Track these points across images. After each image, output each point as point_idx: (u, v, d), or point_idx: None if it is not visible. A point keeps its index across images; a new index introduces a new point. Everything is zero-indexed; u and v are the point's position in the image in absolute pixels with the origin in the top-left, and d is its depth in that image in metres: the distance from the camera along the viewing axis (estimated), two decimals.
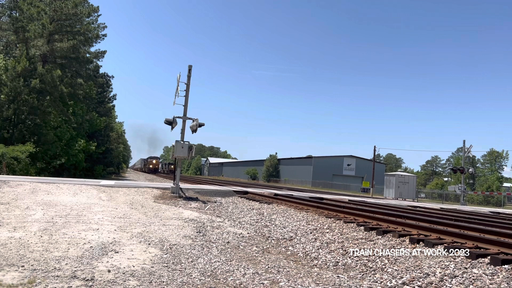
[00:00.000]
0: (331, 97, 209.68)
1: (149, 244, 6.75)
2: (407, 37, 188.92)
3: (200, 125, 16.32)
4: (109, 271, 4.93)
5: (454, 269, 5.35)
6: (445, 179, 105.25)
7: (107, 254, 5.77)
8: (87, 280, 4.51)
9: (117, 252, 5.91)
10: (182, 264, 5.65)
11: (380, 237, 7.73)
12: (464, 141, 36.56)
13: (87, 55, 34.32)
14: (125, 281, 4.61)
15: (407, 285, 5.12)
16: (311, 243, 8.07)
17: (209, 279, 5.08)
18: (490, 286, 4.70)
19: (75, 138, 31.85)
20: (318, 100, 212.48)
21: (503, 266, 5.20)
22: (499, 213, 19.27)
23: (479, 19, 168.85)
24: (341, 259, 6.81)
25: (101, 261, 5.37)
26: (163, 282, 4.73)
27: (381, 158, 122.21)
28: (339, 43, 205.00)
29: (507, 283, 4.69)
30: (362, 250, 7.05)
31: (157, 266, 5.41)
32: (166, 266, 5.43)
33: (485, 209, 24.16)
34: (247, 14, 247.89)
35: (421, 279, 5.23)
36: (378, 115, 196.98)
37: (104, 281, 4.51)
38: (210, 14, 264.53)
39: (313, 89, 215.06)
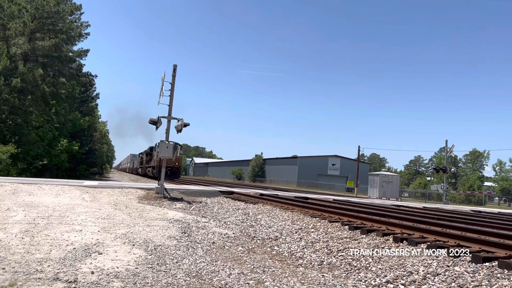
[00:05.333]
0: (315, 96, 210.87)
1: (134, 245, 6.69)
2: (391, 37, 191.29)
3: (185, 125, 16.26)
4: (92, 272, 4.87)
5: (437, 267, 5.43)
6: (428, 178, 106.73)
7: (90, 255, 5.70)
8: (70, 282, 4.44)
9: (101, 254, 5.84)
10: (167, 265, 5.61)
11: (364, 236, 7.80)
12: (446, 141, 37.17)
13: (70, 54, 33.80)
14: (109, 282, 4.56)
15: (391, 284, 5.18)
16: (296, 243, 8.10)
17: (194, 279, 5.06)
18: (472, 283, 4.79)
19: (57, 138, 31.34)
20: (303, 99, 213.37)
21: (484, 264, 5.30)
22: (480, 211, 19.64)
23: (463, 19, 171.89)
24: (326, 258, 6.86)
25: (84, 262, 5.30)
26: (148, 283, 4.69)
27: (365, 158, 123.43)
28: (322, 42, 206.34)
29: (488, 281, 4.78)
30: (346, 249, 7.11)
31: (141, 267, 5.36)
32: (151, 267, 5.39)
33: (467, 208, 24.59)
34: (228, 12, 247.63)
35: (404, 278, 5.30)
36: (362, 115, 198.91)
37: (88, 283, 4.45)
38: (196, 13, 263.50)
39: (297, 89, 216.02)
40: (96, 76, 44.43)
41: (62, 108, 32.99)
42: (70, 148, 32.38)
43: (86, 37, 34.85)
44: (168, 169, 34.30)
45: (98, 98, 46.15)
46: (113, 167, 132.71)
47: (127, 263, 5.50)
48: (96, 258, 5.56)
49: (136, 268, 5.28)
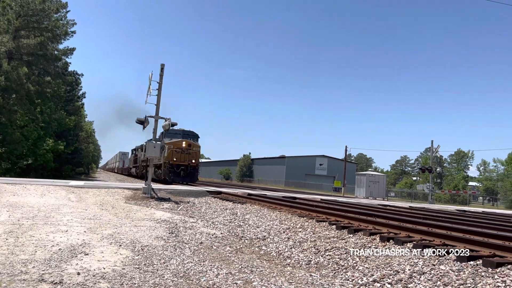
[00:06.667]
0: (303, 97, 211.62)
1: (120, 245, 6.63)
2: (374, 39, 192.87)
3: (173, 124, 16.19)
4: (78, 273, 4.81)
5: (423, 266, 5.50)
6: (414, 178, 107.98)
7: (76, 256, 5.63)
8: (56, 283, 4.38)
9: (87, 254, 5.78)
10: (154, 266, 5.58)
11: (351, 235, 7.85)
12: (432, 141, 37.62)
13: (55, 52, 33.32)
14: (95, 283, 4.51)
15: (378, 283, 5.22)
16: (284, 242, 8.12)
17: (181, 280, 5.03)
18: (457, 281, 4.85)
19: (42, 138, 30.91)
20: (291, 100, 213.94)
21: (468, 263, 5.38)
22: (465, 211, 19.93)
23: (448, 21, 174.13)
24: (313, 258, 6.88)
25: (70, 263, 5.23)
26: (135, 284, 4.66)
27: (352, 158, 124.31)
28: (306, 45, 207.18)
29: (472, 279, 4.85)
30: (334, 248, 7.15)
31: (128, 267, 5.32)
32: (138, 268, 5.35)
33: (452, 207, 24.93)
34: (210, 14, 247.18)
35: (391, 276, 5.35)
36: (350, 116, 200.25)
37: (74, 284, 4.40)
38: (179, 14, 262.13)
39: (285, 90, 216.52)
40: (82, 75, 43.82)
41: (48, 107, 32.55)
42: (55, 148, 31.95)
43: (72, 35, 34.45)
44: (181, 169, 26.68)
45: (84, 97, 45.68)
46: (100, 167, 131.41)
47: (114, 263, 5.45)
48: (82, 259, 5.50)
49: (123, 268, 5.24)
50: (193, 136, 29.44)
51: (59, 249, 5.95)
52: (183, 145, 27.08)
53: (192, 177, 27.87)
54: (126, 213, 10.68)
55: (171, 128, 25.81)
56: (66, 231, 7.37)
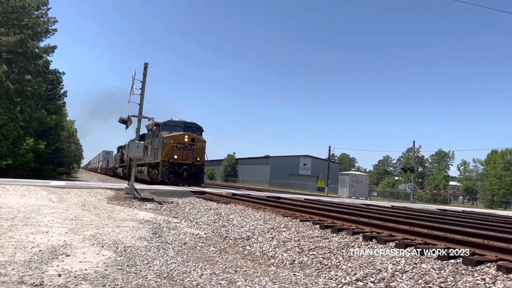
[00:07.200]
0: (287, 98, 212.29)
1: (103, 246, 6.55)
2: (357, 39, 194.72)
3: (156, 124, 16.08)
4: (59, 275, 4.74)
5: (405, 265, 5.57)
6: (396, 178, 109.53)
7: (57, 257, 5.54)
8: (36, 285, 4.31)
9: (69, 256, 5.69)
10: (137, 266, 5.52)
11: (335, 235, 7.91)
12: (414, 142, 38.21)
13: (36, 50, 32.70)
14: (77, 285, 4.44)
15: (361, 281, 5.27)
16: (268, 242, 8.14)
17: (165, 280, 5.00)
18: (438, 280, 4.94)
19: (22, 137, 30.30)
20: (275, 100, 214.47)
21: (449, 261, 5.48)
22: (445, 210, 20.27)
23: (431, 22, 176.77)
24: (297, 257, 6.91)
25: (51, 265, 5.15)
26: (117, 285, 4.60)
27: (336, 158, 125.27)
28: (289, 46, 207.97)
29: (453, 277, 4.93)
30: (317, 248, 7.19)
31: (111, 269, 5.26)
32: (121, 269, 5.29)
33: (433, 207, 25.34)
34: (193, 12, 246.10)
35: (373, 275, 5.40)
36: (333, 116, 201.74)
37: (54, 286, 4.33)
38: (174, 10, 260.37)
39: (269, 90, 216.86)
40: (64, 73, 42.97)
41: (28, 106, 31.92)
42: (36, 148, 31.36)
43: (54, 33, 33.77)
44: (183, 168, 22.52)
45: (66, 96, 44.86)
46: (82, 167, 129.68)
47: (96, 265, 5.38)
48: (63, 260, 5.41)
49: (105, 270, 5.17)
50: (196, 129, 25.17)
51: (40, 250, 5.84)
52: (186, 139, 22.92)
53: (197, 179, 23.64)
54: (109, 213, 10.55)
55: (172, 119, 24.13)
56: (47, 232, 7.24)
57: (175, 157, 22.43)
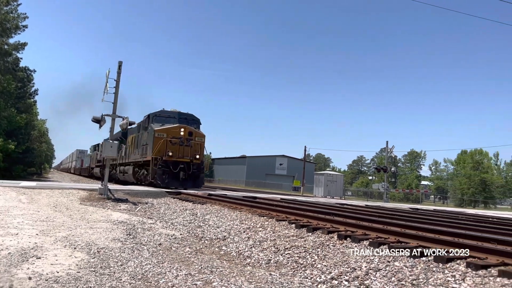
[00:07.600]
0: (263, 98, 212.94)
1: (75, 248, 6.41)
2: (331, 40, 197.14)
3: (131, 123, 15.84)
4: (30, 278, 4.61)
5: (378, 263, 5.67)
6: (370, 177, 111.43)
7: (27, 260, 5.38)
8: None
9: (39, 258, 5.54)
10: (111, 268, 5.43)
11: (310, 234, 7.97)
12: (387, 142, 38.94)
13: (6, 46, 31.74)
14: None
15: (336, 280, 5.34)
16: (244, 242, 8.14)
17: (140, 282, 4.93)
18: (410, 277, 5.05)
19: None
20: (252, 100, 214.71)
21: (421, 259, 5.61)
22: (417, 209, 20.72)
23: (405, 23, 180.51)
24: (273, 257, 6.94)
25: (21, 268, 5.00)
26: (91, 287, 4.51)
27: (311, 158, 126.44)
28: (269, 46, 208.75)
29: (424, 274, 5.06)
30: (293, 247, 7.24)
31: (83, 271, 5.15)
32: (94, 271, 5.19)
33: (405, 206, 25.88)
34: (174, 12, 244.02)
35: (348, 274, 5.48)
36: (309, 116, 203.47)
37: None
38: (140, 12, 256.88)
39: (245, 90, 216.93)
40: (35, 71, 41.81)
41: None
42: (5, 147, 30.43)
43: (24, 29, 32.92)
44: (180, 168, 19.43)
45: (37, 94, 43.65)
46: (53, 167, 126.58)
47: (68, 267, 5.26)
48: (34, 263, 5.26)
49: (78, 272, 5.06)
50: (193, 121, 21.80)
51: (9, 253, 5.66)
52: (182, 132, 19.73)
53: (196, 180, 20.54)
54: (81, 214, 10.34)
55: (164, 110, 20.77)
56: (17, 234, 7.03)
57: (170, 154, 19.34)
